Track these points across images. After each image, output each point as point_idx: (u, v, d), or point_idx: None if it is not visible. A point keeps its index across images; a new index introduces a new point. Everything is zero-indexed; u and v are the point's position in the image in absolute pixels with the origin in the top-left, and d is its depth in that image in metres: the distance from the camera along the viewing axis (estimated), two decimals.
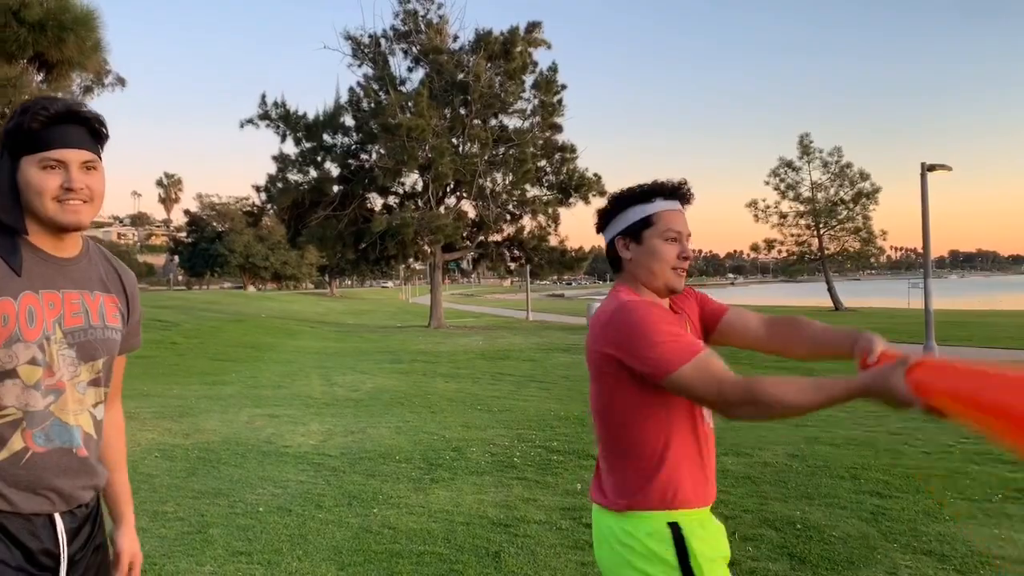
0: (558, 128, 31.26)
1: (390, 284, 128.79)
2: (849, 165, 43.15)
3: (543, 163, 31.64)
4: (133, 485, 5.68)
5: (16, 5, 7.25)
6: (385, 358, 18.09)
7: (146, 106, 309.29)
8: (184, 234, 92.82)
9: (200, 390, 12.01)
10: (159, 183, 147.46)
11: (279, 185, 30.03)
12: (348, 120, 30.46)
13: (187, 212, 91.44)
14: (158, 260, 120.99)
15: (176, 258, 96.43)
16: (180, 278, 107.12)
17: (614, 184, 33.79)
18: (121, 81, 56.71)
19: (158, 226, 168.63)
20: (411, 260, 35.77)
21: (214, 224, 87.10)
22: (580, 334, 25.91)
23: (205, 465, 6.41)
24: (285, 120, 29.06)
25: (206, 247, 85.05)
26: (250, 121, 28.94)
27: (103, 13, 7.43)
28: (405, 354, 19.06)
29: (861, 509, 5.09)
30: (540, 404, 10.20)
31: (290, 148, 30.39)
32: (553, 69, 30.50)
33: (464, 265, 39.81)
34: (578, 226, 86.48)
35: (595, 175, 32.29)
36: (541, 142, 31.20)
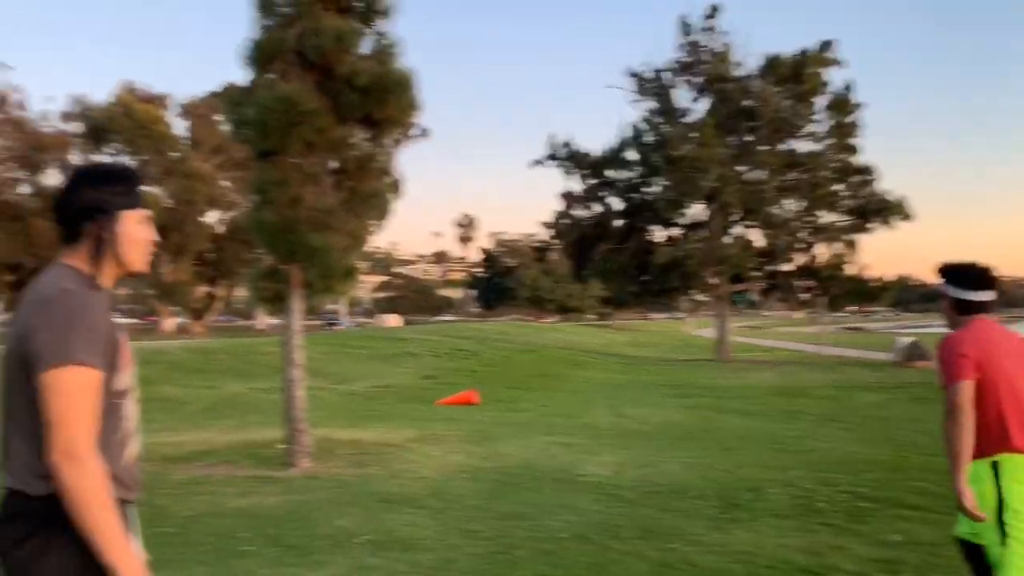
0: (854, 149, 29.27)
1: (663, 316, 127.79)
2: None
3: (838, 187, 29.75)
4: (443, 503, 6.11)
5: (349, 74, 8.23)
6: (671, 391, 17.96)
7: (444, 150, 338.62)
8: (480, 270, 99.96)
9: (497, 416, 12.75)
10: (458, 224, 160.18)
11: (565, 221, 31.31)
12: (631, 155, 31.03)
13: (482, 250, 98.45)
14: (456, 294, 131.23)
15: (474, 292, 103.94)
16: (475, 310, 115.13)
17: (922, 206, 30.73)
18: (425, 132, 62.64)
19: (456, 263, 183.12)
20: (694, 292, 35.31)
21: (506, 260, 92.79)
22: (885, 371, 23.75)
23: (506, 488, 6.76)
24: (571, 159, 30.32)
25: (498, 281, 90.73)
26: (539, 162, 30.63)
27: (419, 73, 8.24)
28: (692, 388, 18.79)
29: None
30: (843, 446, 9.48)
31: (575, 185, 31.64)
32: (848, 88, 28.74)
33: (752, 296, 38.43)
34: (880, 253, 79.34)
35: (899, 197, 29.72)
36: (836, 165, 29.38)
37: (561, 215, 31.64)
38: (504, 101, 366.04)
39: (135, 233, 1.89)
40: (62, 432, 1.64)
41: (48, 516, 1.69)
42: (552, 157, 30.49)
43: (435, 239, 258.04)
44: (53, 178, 52.64)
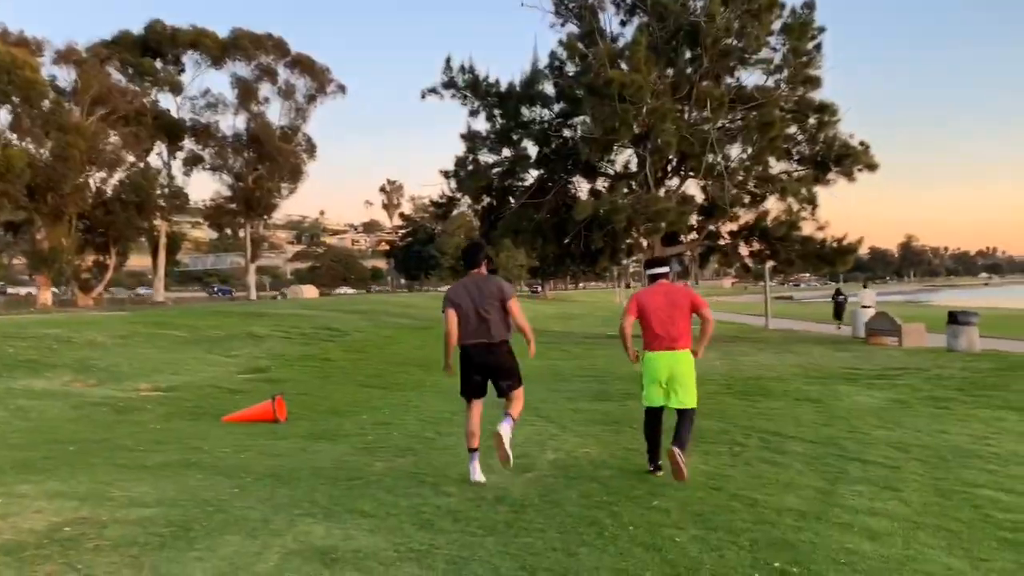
0: (814, 83, 24.26)
1: (591, 285, 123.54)
2: None
3: (793, 130, 24.82)
4: None
5: None
6: (587, 389, 12.68)
7: (371, 115, 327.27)
8: (398, 238, 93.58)
9: (282, 453, 7.22)
10: (382, 190, 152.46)
11: (469, 168, 25.52)
12: (548, 89, 25.44)
13: (402, 215, 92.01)
14: (385, 265, 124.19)
15: (392, 262, 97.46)
16: (403, 281, 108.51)
17: (885, 156, 25.98)
18: (342, 89, 56.01)
19: (388, 232, 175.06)
20: (622, 256, 30.01)
21: (427, 227, 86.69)
22: (853, 351, 19.13)
23: None
24: (474, 89, 24.52)
25: (419, 249, 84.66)
26: (433, 90, 24.71)
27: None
28: (614, 381, 13.49)
29: None
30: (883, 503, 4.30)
31: (481, 125, 25.88)
32: (809, 6, 23.59)
33: (687, 261, 33.46)
34: (841, 209, 74.59)
35: (862, 144, 25.01)
36: (792, 103, 24.41)
37: (463, 160, 25.78)
38: (422, 45, 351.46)
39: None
40: (519, 311, 5.88)
41: (503, 344, 5.87)
42: (450, 85, 24.65)
43: (367, 208, 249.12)
44: None
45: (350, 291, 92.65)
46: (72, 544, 4.59)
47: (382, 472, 6.61)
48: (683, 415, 6.13)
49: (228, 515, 5.24)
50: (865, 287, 26.92)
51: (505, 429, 5.76)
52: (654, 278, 6.46)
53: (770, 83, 24.25)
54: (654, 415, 6.29)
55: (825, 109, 24.07)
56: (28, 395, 10.94)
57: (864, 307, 24.04)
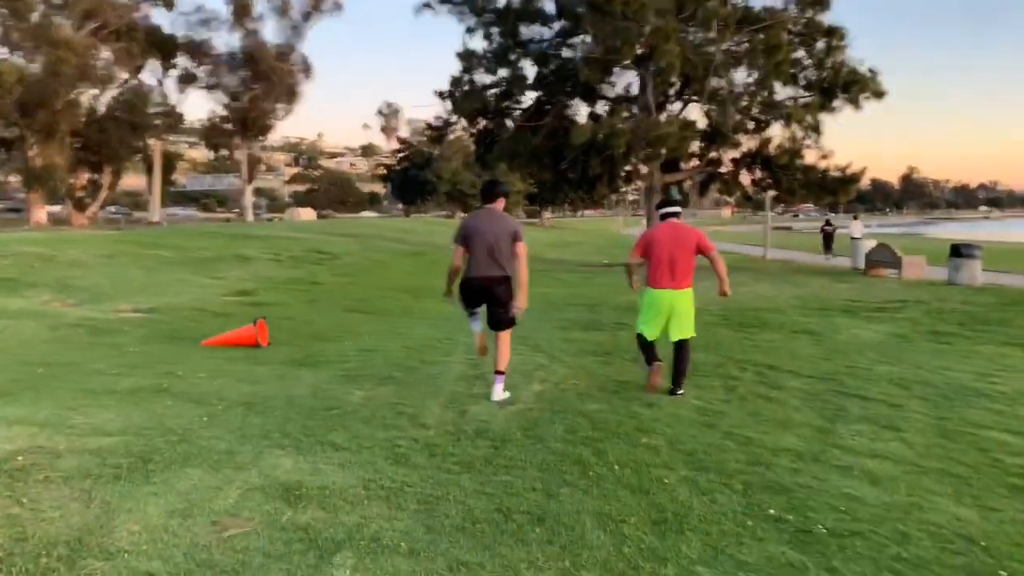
0: (823, 4, 23.24)
1: (586, 213, 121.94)
2: None
3: (800, 54, 23.90)
4: None
5: None
6: (579, 317, 12.37)
7: (370, 35, 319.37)
8: (395, 161, 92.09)
9: (260, 379, 6.94)
10: (380, 112, 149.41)
11: (464, 88, 24.65)
12: (548, 6, 24.39)
13: (399, 139, 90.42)
14: (383, 189, 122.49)
15: (388, 186, 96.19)
16: (400, 206, 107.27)
17: (893, 84, 25.09)
18: (338, 5, 54.09)
19: (387, 156, 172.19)
20: (621, 183, 29.32)
21: (423, 150, 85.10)
22: (852, 282, 18.86)
23: None
24: (470, 4, 23.48)
25: (416, 174, 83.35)
26: (427, 5, 23.67)
27: None
28: (607, 311, 13.17)
29: None
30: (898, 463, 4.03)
31: (478, 44, 24.92)
32: None
33: (687, 189, 32.83)
34: (846, 138, 73.22)
35: (870, 71, 24.13)
36: (800, 26, 23.44)
37: (459, 81, 24.86)
38: None
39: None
40: (524, 258, 6.01)
41: (508, 279, 6.06)
42: (445, 0, 23.57)
43: (365, 131, 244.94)
44: None
45: (372, 215, 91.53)
46: (21, 475, 4.32)
47: (360, 402, 6.32)
48: (681, 345, 6.44)
49: (192, 446, 4.97)
50: (856, 218, 26.46)
51: (498, 391, 6.26)
52: (665, 216, 6.60)
53: (778, 3, 23.29)
54: (648, 339, 6.53)
55: (834, 33, 23.15)
56: (3, 315, 10.63)
57: (854, 238, 23.68)
